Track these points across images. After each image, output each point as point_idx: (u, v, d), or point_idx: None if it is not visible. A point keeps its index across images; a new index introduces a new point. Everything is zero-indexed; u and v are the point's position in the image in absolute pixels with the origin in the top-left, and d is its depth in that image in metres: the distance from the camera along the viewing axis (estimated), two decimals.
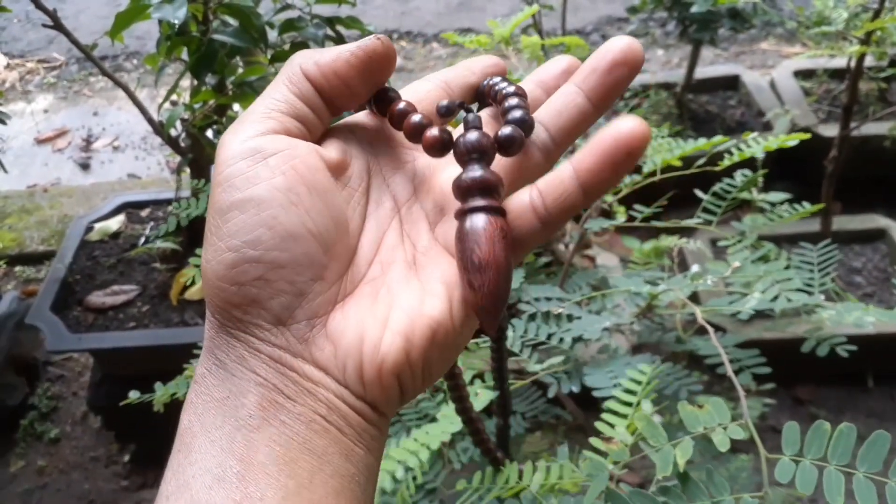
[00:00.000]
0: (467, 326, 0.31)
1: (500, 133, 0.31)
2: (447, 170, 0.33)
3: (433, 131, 0.31)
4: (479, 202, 0.30)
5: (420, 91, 0.34)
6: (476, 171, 0.30)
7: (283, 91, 0.31)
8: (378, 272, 0.31)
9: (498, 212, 0.30)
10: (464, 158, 0.31)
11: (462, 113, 0.33)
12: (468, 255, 0.29)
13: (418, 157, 0.34)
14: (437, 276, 0.30)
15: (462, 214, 0.30)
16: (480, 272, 0.29)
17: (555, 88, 0.33)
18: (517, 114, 0.31)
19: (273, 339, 0.28)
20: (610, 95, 0.31)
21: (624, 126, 0.29)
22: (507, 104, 0.32)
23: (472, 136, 0.31)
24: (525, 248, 0.32)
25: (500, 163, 0.32)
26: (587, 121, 0.32)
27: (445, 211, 0.32)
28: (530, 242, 0.32)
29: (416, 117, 0.32)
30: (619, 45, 0.30)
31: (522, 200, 0.31)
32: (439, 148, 0.31)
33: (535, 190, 0.31)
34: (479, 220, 0.29)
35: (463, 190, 0.30)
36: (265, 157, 0.29)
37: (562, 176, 0.31)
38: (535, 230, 0.31)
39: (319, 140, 0.32)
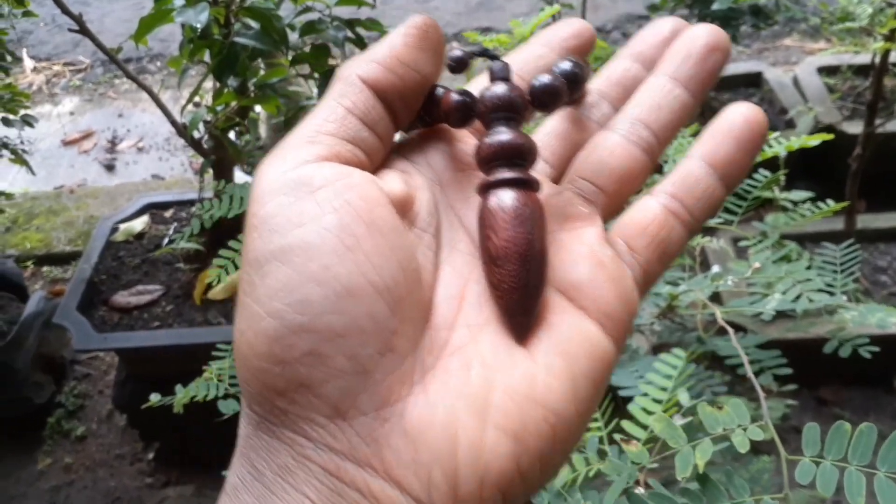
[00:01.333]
0: (594, 405, 0.24)
1: (534, 82, 0.26)
2: None
3: (451, 95, 0.26)
4: (503, 174, 0.24)
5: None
6: (501, 134, 0.25)
7: (332, 107, 0.25)
8: (465, 338, 0.24)
9: (525, 184, 0.24)
10: (488, 118, 0.26)
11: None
12: (484, 243, 0.24)
13: None
14: (550, 344, 0.24)
15: (482, 191, 0.25)
16: (498, 264, 0.24)
17: (654, 63, 0.29)
18: (566, 65, 0.27)
19: (330, 439, 0.21)
20: (707, 84, 0.28)
21: (748, 110, 0.27)
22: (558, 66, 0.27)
23: (498, 89, 0.25)
24: (670, 261, 0.27)
25: (605, 165, 0.27)
26: (689, 114, 0.28)
27: None
28: (676, 253, 0.27)
29: (453, 96, 0.26)
30: (704, 30, 0.28)
31: (654, 209, 0.26)
32: (457, 115, 0.26)
33: (666, 195, 0.27)
34: (502, 199, 0.24)
35: (484, 158, 0.25)
36: (312, 191, 0.23)
37: (695, 173, 0.27)
38: (682, 239, 0.27)
39: (375, 170, 0.26)
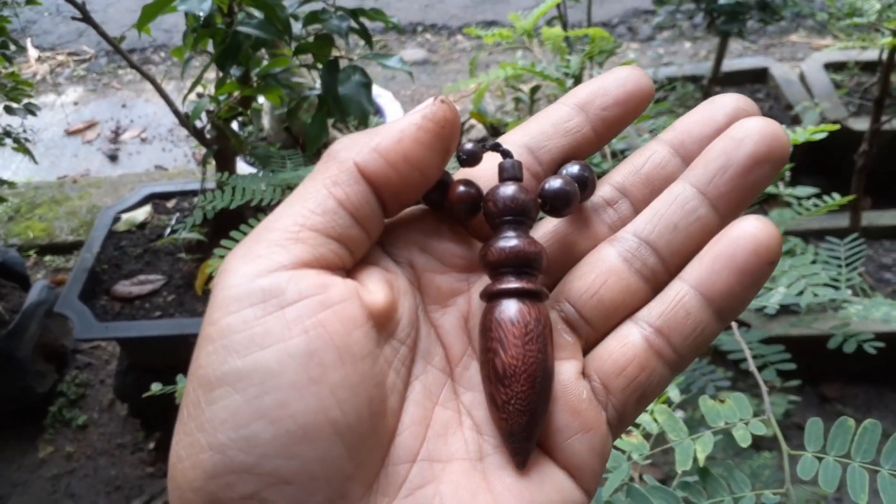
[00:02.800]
0: None
1: (545, 186, 0.24)
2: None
3: (458, 187, 0.24)
4: (511, 283, 0.22)
5: (488, 165, 0.25)
6: (511, 240, 0.23)
7: (322, 197, 0.22)
8: (426, 476, 0.21)
9: (534, 296, 0.23)
10: (496, 219, 0.24)
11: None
12: (490, 357, 0.22)
13: (475, 282, 0.25)
14: (520, 491, 0.22)
15: (488, 298, 0.23)
16: (504, 383, 0.22)
17: (697, 154, 0.24)
18: (574, 168, 0.24)
19: None
20: (743, 205, 0.23)
21: (758, 230, 0.22)
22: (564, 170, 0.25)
23: (508, 190, 0.23)
24: (649, 403, 0.24)
25: (596, 295, 0.24)
26: (710, 236, 0.23)
27: None
28: (656, 395, 0.24)
29: (461, 188, 0.24)
30: (756, 128, 0.22)
31: (635, 346, 0.23)
32: (463, 207, 0.24)
33: (650, 329, 0.23)
34: (510, 311, 0.22)
35: (491, 263, 0.23)
36: (282, 306, 0.20)
37: (686, 306, 0.23)
38: (664, 378, 0.23)
39: (357, 265, 0.23)
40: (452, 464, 0.22)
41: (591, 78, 0.26)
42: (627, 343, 0.23)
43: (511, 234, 0.23)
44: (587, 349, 0.24)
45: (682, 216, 0.23)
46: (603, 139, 0.25)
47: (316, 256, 0.21)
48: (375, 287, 0.22)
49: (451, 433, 0.22)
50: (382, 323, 0.22)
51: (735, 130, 0.23)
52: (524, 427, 0.22)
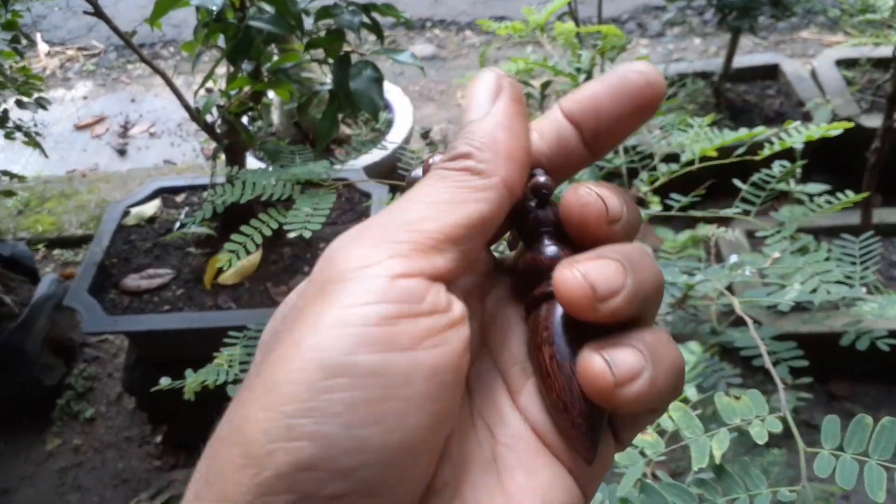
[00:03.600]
0: None
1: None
2: (516, 309, 0.25)
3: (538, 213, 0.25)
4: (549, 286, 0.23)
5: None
6: (551, 247, 0.24)
7: (469, 210, 0.22)
8: (448, 477, 0.22)
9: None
10: (535, 232, 0.25)
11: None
12: (547, 356, 0.23)
13: (497, 285, 0.26)
14: (532, 489, 0.22)
15: (536, 303, 0.24)
16: (565, 380, 0.22)
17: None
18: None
19: None
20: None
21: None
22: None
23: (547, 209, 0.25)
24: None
25: None
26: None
27: (528, 370, 0.24)
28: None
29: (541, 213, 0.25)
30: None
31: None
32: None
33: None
34: (557, 312, 0.23)
35: (535, 270, 0.24)
36: (417, 314, 0.20)
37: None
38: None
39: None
40: (469, 465, 0.22)
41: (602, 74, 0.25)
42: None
43: (550, 242, 0.24)
44: None
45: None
46: (598, 154, 0.26)
47: (450, 270, 0.21)
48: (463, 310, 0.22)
49: (466, 436, 0.23)
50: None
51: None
52: (592, 436, 0.22)
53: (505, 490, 0.22)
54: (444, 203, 0.21)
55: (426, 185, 0.22)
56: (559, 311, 0.23)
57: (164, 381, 0.75)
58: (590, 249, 0.23)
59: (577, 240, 0.24)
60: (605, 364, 0.21)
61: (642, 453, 0.44)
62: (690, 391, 0.46)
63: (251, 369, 0.22)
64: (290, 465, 0.18)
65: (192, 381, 0.71)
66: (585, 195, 0.23)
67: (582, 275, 0.21)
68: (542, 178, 0.24)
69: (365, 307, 0.19)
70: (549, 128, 0.25)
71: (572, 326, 0.22)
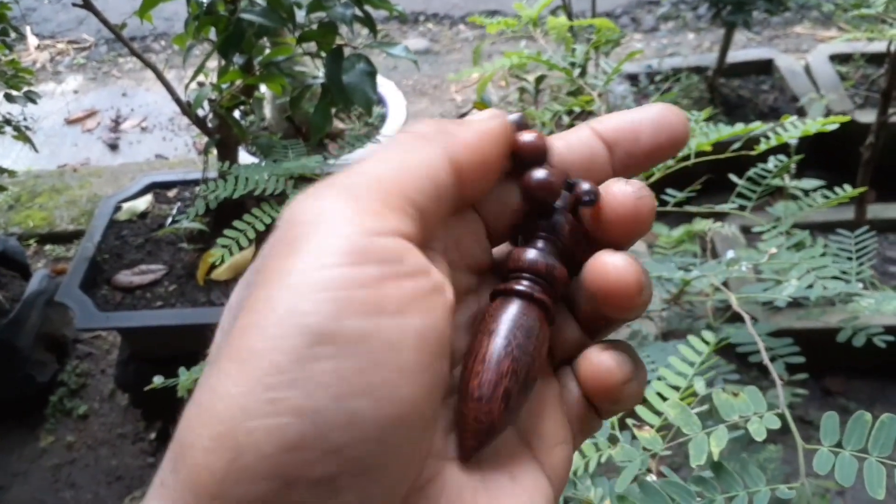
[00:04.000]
0: None
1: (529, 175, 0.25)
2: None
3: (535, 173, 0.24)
4: (519, 285, 0.23)
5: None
6: (535, 251, 0.24)
7: (424, 171, 0.21)
8: (433, 472, 0.21)
9: (539, 304, 0.23)
10: (532, 235, 0.25)
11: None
12: (474, 346, 0.23)
13: (483, 280, 0.26)
14: (514, 494, 0.22)
15: (493, 295, 0.24)
16: (478, 371, 0.22)
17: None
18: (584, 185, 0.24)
19: None
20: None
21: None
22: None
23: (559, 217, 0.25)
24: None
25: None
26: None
27: None
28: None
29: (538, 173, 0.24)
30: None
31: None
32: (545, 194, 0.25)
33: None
34: (509, 306, 0.23)
35: (512, 269, 0.24)
36: (400, 276, 0.18)
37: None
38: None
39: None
40: (453, 462, 0.22)
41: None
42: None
43: (541, 245, 0.24)
44: None
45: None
46: (620, 175, 0.26)
47: (416, 231, 0.20)
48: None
49: (450, 431, 0.22)
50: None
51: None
52: (495, 422, 0.22)
53: (488, 489, 0.22)
54: (395, 162, 0.21)
55: (380, 147, 0.22)
56: (515, 308, 0.23)
57: (157, 380, 0.74)
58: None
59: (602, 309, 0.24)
60: (614, 362, 0.23)
61: (644, 449, 0.44)
62: (699, 385, 0.45)
63: (217, 337, 0.20)
64: (274, 446, 0.16)
65: (186, 378, 0.70)
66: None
67: (639, 265, 0.22)
68: (587, 186, 0.24)
69: (349, 268, 0.18)
70: (579, 143, 0.25)
71: (520, 327, 0.22)
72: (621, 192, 0.23)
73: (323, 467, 0.16)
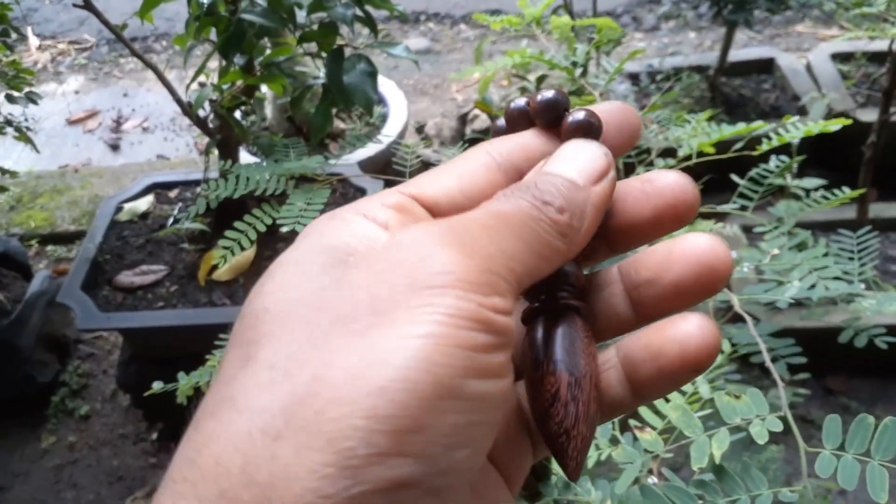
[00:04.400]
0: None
1: (570, 120, 0.24)
2: None
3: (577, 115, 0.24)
4: (548, 301, 0.23)
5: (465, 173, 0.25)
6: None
7: (536, 254, 0.21)
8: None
9: (581, 311, 0.24)
10: None
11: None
12: (544, 386, 0.23)
13: None
14: None
15: (532, 316, 0.24)
16: (557, 403, 0.22)
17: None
18: (580, 114, 0.24)
19: None
20: (662, 313, 0.25)
21: (686, 331, 0.23)
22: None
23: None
24: None
25: None
26: (621, 333, 0.25)
27: None
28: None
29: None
30: (686, 257, 0.23)
31: None
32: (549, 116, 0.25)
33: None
34: (556, 327, 0.23)
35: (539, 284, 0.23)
36: (504, 347, 0.20)
37: (607, 376, 0.24)
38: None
39: None
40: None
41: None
42: None
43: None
44: None
45: (605, 310, 0.25)
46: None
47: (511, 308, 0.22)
48: None
49: None
50: None
51: (674, 247, 0.24)
52: (583, 455, 0.23)
53: (481, 496, 0.23)
54: (527, 246, 0.21)
55: (509, 208, 0.22)
56: (564, 328, 0.23)
57: (157, 386, 0.74)
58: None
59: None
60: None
61: (646, 451, 0.44)
62: (704, 388, 0.45)
63: (262, 333, 0.20)
64: (390, 481, 0.17)
65: (185, 383, 0.70)
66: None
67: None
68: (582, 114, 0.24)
69: (476, 333, 0.19)
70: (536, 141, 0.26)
71: (573, 344, 0.23)
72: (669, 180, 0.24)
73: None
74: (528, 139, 0.25)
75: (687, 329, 0.23)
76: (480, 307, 0.19)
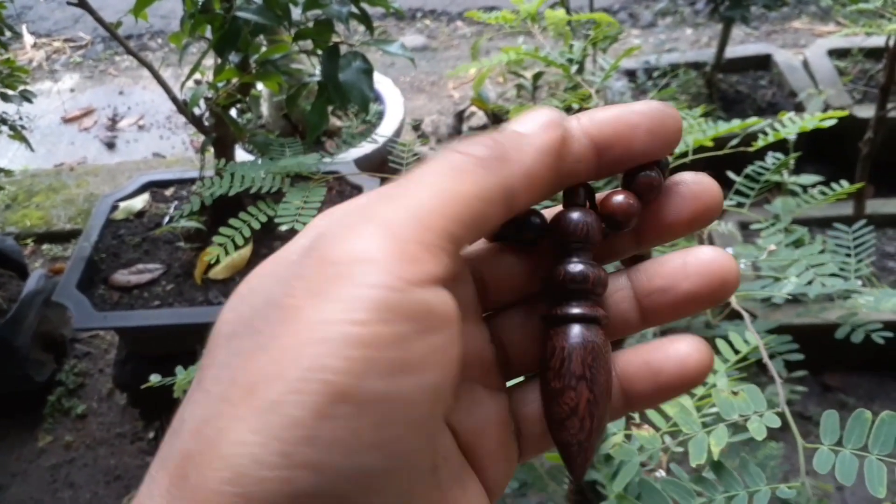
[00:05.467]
0: None
1: (609, 202, 0.24)
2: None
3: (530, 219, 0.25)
4: (578, 308, 0.24)
5: None
6: (577, 264, 0.24)
7: (470, 205, 0.20)
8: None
9: (601, 320, 0.24)
10: (564, 246, 0.25)
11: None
12: (563, 399, 0.23)
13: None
14: None
15: (552, 322, 0.24)
16: (574, 417, 0.23)
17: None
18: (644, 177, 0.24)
19: None
20: (670, 321, 0.25)
21: (685, 351, 0.24)
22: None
23: (574, 215, 0.24)
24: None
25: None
26: (625, 334, 0.26)
27: (459, 391, 0.24)
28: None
29: (533, 219, 0.25)
30: (701, 269, 0.24)
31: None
32: (530, 235, 0.25)
33: None
34: (578, 340, 0.23)
35: (557, 285, 0.24)
36: (428, 330, 0.18)
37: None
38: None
39: None
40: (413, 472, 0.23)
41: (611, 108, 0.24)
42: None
43: (578, 258, 0.24)
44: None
45: (615, 313, 0.25)
46: (606, 176, 0.25)
47: (453, 272, 0.19)
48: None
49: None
50: None
51: (689, 257, 0.24)
52: (588, 458, 0.23)
53: (444, 499, 0.22)
54: (443, 192, 0.20)
55: (429, 169, 0.20)
56: (579, 335, 0.23)
57: (154, 378, 0.74)
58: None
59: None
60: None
61: (641, 448, 0.44)
62: (722, 382, 0.45)
63: (210, 354, 0.20)
64: (285, 496, 0.17)
65: (183, 378, 0.70)
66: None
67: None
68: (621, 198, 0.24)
69: (380, 325, 0.17)
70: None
71: (590, 354, 0.23)
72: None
73: None
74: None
75: (685, 349, 0.24)
76: (390, 290, 0.17)
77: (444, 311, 0.19)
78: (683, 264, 0.24)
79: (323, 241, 0.19)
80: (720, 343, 0.51)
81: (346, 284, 0.18)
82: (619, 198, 0.24)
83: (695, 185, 0.25)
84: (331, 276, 0.18)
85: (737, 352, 0.50)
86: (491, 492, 0.24)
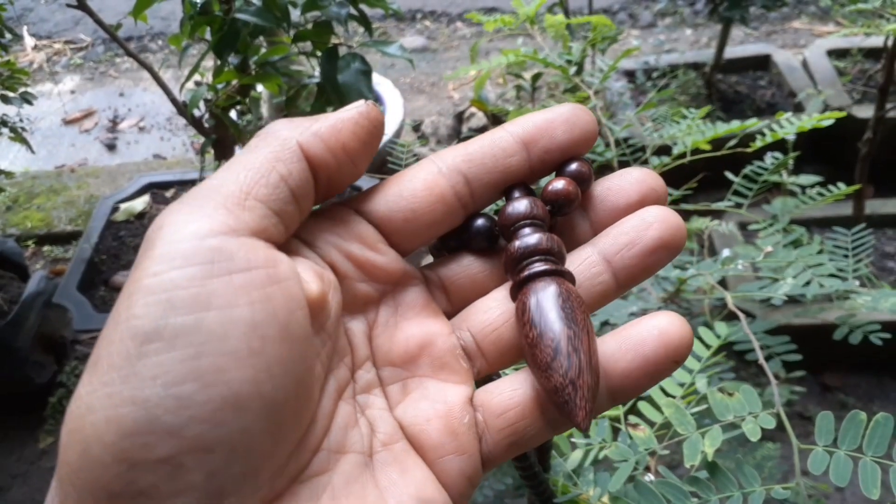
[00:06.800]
0: None
1: (548, 187, 0.26)
2: (409, 324, 0.26)
3: (478, 221, 0.26)
4: (540, 266, 0.24)
5: (419, 185, 0.25)
6: (531, 237, 0.25)
7: (266, 169, 0.22)
8: (324, 465, 0.22)
9: (565, 275, 0.25)
10: (511, 231, 0.26)
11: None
12: (543, 343, 0.23)
13: (387, 294, 0.26)
14: (405, 493, 0.23)
15: (519, 287, 0.25)
16: (559, 356, 0.23)
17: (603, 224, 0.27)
18: (572, 166, 0.26)
19: None
20: (641, 278, 0.26)
21: (667, 325, 0.24)
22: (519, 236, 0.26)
23: (521, 203, 0.26)
24: (519, 450, 0.26)
25: (496, 332, 0.26)
26: (607, 301, 0.26)
27: (409, 387, 0.25)
28: (530, 445, 0.25)
29: (480, 221, 0.26)
30: (664, 216, 0.25)
31: (524, 393, 0.25)
32: (481, 239, 0.26)
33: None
34: (546, 290, 0.24)
35: (517, 257, 0.25)
36: (231, 272, 0.20)
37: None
38: (541, 434, 0.25)
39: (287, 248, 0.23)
40: (347, 456, 0.23)
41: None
42: (518, 390, 0.25)
43: (528, 231, 0.25)
44: (480, 381, 0.26)
45: (588, 278, 0.26)
46: (539, 176, 0.27)
47: (262, 227, 0.21)
48: (309, 276, 0.23)
49: (349, 428, 0.23)
50: (316, 312, 0.22)
51: (646, 214, 0.25)
52: (591, 404, 0.23)
53: (378, 484, 0.23)
54: (238, 167, 0.22)
55: (229, 161, 0.23)
56: (551, 289, 0.24)
57: None
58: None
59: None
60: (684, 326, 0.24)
61: (644, 448, 0.44)
62: (701, 382, 0.45)
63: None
64: (113, 434, 0.18)
65: None
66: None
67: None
68: (571, 174, 0.26)
69: (173, 272, 0.19)
70: (491, 144, 0.26)
71: (569, 303, 0.24)
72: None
73: (162, 448, 0.18)
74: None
75: (665, 321, 0.24)
76: (181, 242, 0.20)
77: (245, 256, 0.20)
78: (641, 218, 0.25)
79: (150, 228, 0.22)
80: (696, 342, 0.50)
81: (154, 247, 0.20)
82: (558, 182, 0.26)
83: (639, 172, 0.26)
84: (146, 247, 0.21)
85: (708, 346, 0.50)
86: (448, 485, 0.24)
